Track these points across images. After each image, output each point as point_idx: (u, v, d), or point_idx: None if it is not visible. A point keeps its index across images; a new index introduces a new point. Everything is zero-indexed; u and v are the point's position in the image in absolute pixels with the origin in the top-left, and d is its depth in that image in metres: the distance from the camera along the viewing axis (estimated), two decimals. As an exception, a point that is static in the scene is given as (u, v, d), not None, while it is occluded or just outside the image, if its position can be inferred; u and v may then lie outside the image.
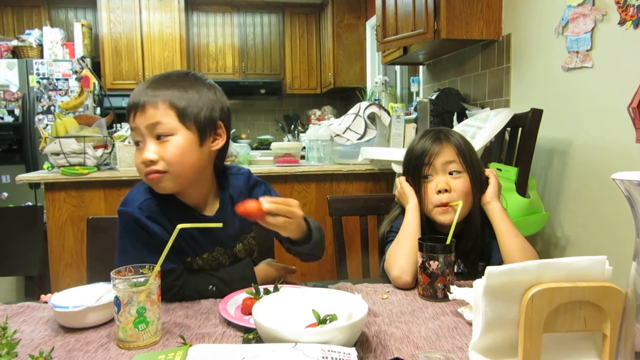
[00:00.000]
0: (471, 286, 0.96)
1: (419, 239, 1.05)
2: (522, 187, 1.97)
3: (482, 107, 2.72)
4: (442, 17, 2.52)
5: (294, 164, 2.55)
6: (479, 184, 1.20)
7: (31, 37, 4.63)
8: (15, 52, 4.58)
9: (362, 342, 0.79)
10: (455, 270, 1.15)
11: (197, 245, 1.07)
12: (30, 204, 4.38)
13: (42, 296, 1.07)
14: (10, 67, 4.44)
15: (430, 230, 1.21)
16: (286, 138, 5.63)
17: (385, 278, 1.15)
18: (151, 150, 0.96)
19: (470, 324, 0.87)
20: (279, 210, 0.92)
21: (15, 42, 4.59)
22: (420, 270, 1.02)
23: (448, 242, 1.02)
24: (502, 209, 1.18)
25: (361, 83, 5.09)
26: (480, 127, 2.21)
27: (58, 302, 0.89)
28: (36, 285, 1.82)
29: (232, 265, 1.12)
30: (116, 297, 0.81)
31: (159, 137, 0.97)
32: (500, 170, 2.03)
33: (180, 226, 0.86)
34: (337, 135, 2.59)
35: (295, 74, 5.74)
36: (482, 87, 2.81)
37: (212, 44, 5.57)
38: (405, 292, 1.06)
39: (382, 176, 2.60)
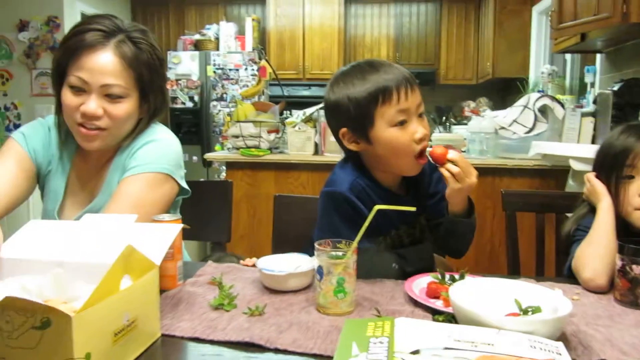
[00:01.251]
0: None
1: (620, 240, 0.97)
2: None
3: (678, 101, 2.38)
4: (635, -3, 2.25)
5: (454, 155, 2.51)
6: None
7: (210, 31, 5.19)
8: (196, 45, 5.17)
9: (561, 340, 0.77)
10: None
11: (389, 222, 1.14)
12: (202, 179, 4.93)
13: (241, 261, 1.22)
14: (193, 59, 5.03)
15: (625, 234, 1.11)
16: (437, 130, 5.52)
17: (571, 278, 1.09)
18: (422, 127, 1.07)
19: (684, 337, 0.79)
20: (459, 162, 1.03)
21: (197, 36, 5.18)
22: (619, 274, 0.95)
23: None
24: None
25: (522, 73, 4.77)
26: (678, 124, 1.95)
27: (265, 266, 1.01)
28: (215, 252, 2.06)
29: (412, 246, 1.18)
30: (320, 267, 0.89)
31: (420, 115, 1.09)
32: None
33: (377, 207, 0.92)
34: (502, 128, 2.49)
35: (450, 64, 5.59)
36: (679, 77, 2.46)
37: (367, 35, 5.68)
38: (598, 295, 1.00)
39: (552, 173, 2.43)
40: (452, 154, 1.04)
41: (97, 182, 1.24)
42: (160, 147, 1.21)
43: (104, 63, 1.11)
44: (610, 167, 1.14)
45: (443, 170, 1.05)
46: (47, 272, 0.76)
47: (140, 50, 1.15)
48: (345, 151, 1.18)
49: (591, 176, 1.18)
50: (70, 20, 4.56)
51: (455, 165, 1.03)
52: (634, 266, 0.92)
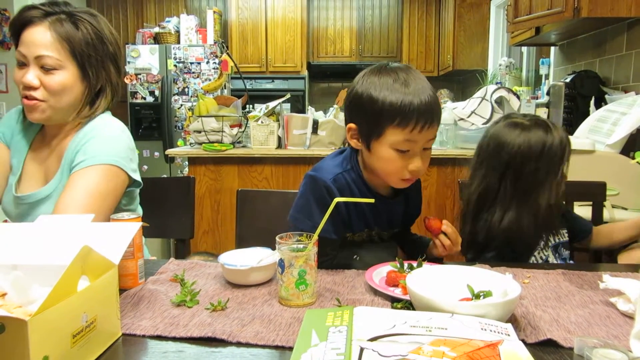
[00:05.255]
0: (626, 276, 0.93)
1: None
2: (673, 180, 1.80)
3: (625, 92, 2.50)
4: (585, -7, 2.34)
5: (416, 147, 2.56)
6: None
7: (170, 24, 5.08)
8: (156, 38, 5.06)
9: (511, 322, 0.81)
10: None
11: (363, 221, 1.15)
12: (165, 176, 4.86)
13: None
14: (152, 52, 4.92)
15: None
16: (400, 121, 5.59)
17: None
18: (419, 162, 1.06)
19: (624, 314, 0.84)
20: (450, 235, 1.13)
21: (156, 29, 5.07)
22: None
23: None
24: None
25: (482, 65, 4.90)
26: (624, 113, 2.05)
27: (227, 261, 1.01)
28: (179, 249, 2.05)
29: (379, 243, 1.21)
30: (281, 259, 0.90)
31: (425, 149, 1.08)
32: (647, 160, 1.87)
33: (337, 199, 0.94)
34: (461, 119, 2.54)
35: (412, 57, 5.67)
36: (626, 69, 2.58)
37: (330, 28, 5.69)
38: (547, 279, 1.05)
39: (508, 162, 2.51)
40: (445, 226, 1.12)
41: (52, 165, 1.27)
42: (109, 140, 1.23)
43: (38, 36, 1.17)
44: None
45: (435, 240, 1.14)
46: (7, 275, 0.74)
47: (76, 27, 1.20)
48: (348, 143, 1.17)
49: None
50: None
51: (448, 237, 1.12)
52: None
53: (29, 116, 1.22)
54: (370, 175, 1.14)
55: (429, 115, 1.01)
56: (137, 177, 1.27)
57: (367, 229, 1.17)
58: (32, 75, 1.17)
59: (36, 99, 1.18)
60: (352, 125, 1.09)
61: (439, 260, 1.22)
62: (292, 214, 1.13)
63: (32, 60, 1.17)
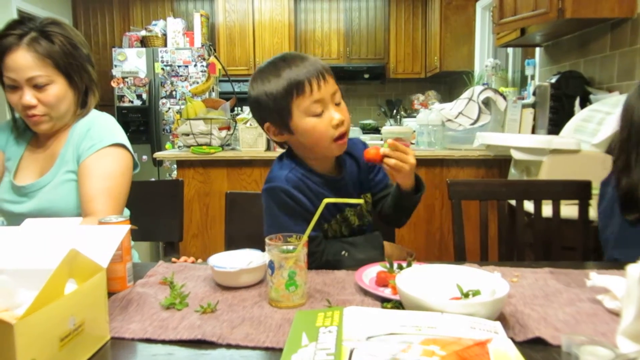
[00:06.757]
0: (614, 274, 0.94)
1: None
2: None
3: (610, 91, 2.53)
4: (569, -6, 2.37)
5: (404, 148, 2.57)
6: None
7: (157, 27, 5.06)
8: (143, 42, 5.03)
9: (500, 320, 0.81)
10: None
11: (334, 207, 1.18)
12: (153, 179, 4.82)
13: (174, 259, 1.22)
14: (140, 56, 4.89)
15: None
16: (388, 123, 5.63)
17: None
18: (338, 113, 1.11)
19: (611, 312, 0.85)
20: (391, 154, 1.10)
21: (143, 33, 5.04)
22: None
23: None
24: None
25: (468, 67, 4.93)
26: (609, 113, 2.08)
27: (216, 264, 1.01)
28: (168, 252, 2.04)
29: (362, 235, 1.23)
30: (271, 261, 0.90)
31: (337, 104, 1.13)
32: (632, 159, 1.90)
33: (326, 200, 0.94)
34: (449, 120, 2.57)
35: (399, 58, 5.70)
36: (609, 69, 2.61)
37: (318, 30, 5.71)
38: (536, 277, 1.06)
39: (495, 163, 2.54)
40: (383, 150, 1.10)
41: (46, 162, 1.37)
42: (108, 124, 1.39)
43: (21, 61, 1.26)
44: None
45: (384, 166, 1.12)
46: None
47: (51, 41, 1.29)
48: (276, 143, 1.23)
49: None
50: (5, 16, 4.34)
51: (390, 157, 1.10)
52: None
53: (35, 129, 1.34)
54: (314, 162, 1.18)
55: (315, 71, 1.09)
56: (136, 157, 1.42)
57: (339, 213, 1.20)
58: (29, 96, 1.27)
59: (38, 115, 1.30)
60: (267, 124, 1.16)
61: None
62: (267, 233, 1.12)
63: (24, 83, 1.27)
